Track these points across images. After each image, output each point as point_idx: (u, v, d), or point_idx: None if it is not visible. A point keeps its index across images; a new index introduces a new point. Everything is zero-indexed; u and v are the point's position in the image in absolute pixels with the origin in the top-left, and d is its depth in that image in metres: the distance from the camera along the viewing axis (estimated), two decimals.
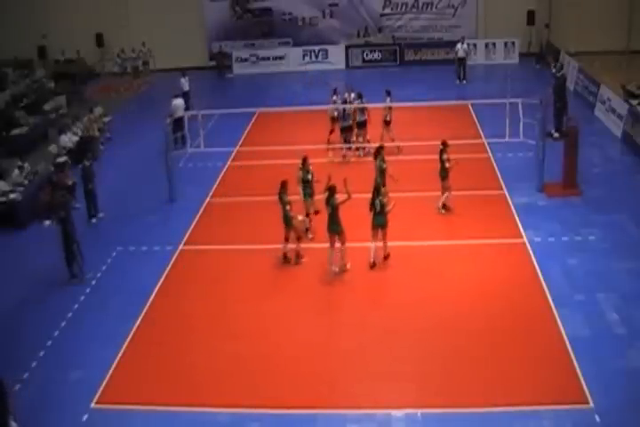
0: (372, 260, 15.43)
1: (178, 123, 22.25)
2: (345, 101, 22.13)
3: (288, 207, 15.57)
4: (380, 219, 15.36)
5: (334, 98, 22.34)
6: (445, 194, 17.54)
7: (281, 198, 15.58)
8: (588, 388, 11.41)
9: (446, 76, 30.41)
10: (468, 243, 16.30)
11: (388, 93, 21.87)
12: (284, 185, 15.71)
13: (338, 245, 15.24)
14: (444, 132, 21.82)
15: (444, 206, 17.65)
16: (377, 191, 15.38)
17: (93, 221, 18.62)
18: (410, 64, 33.84)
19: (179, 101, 23.56)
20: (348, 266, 15.40)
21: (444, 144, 17.41)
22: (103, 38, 34.69)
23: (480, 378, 11.90)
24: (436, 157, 17.41)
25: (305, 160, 17.03)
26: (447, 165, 17.18)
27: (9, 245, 17.60)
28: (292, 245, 15.85)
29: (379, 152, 17.63)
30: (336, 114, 22.05)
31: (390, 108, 21.60)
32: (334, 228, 15.18)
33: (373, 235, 15.48)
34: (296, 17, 34.97)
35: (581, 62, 27.90)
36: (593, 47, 30.70)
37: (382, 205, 15.31)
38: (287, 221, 15.70)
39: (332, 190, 15.15)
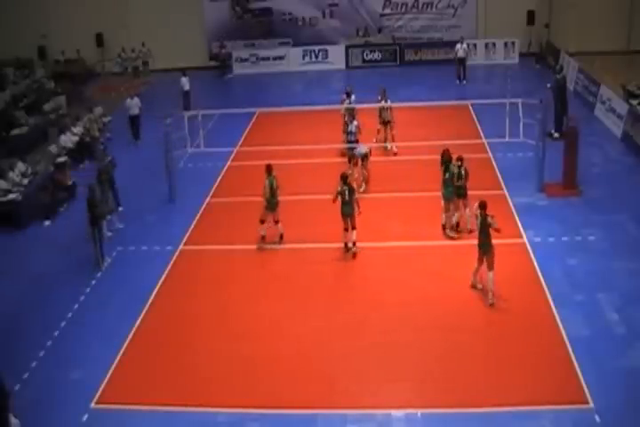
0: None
1: (132, 120, 24.74)
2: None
3: (355, 196, 15.80)
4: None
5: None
6: (458, 213, 16.61)
7: (342, 191, 15.73)
8: (588, 388, 11.41)
9: (446, 76, 30.39)
10: (469, 243, 16.26)
11: (348, 95, 22.18)
12: (343, 178, 15.84)
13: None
14: (444, 133, 21.91)
15: (457, 226, 16.76)
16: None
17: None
18: (410, 64, 33.82)
19: (129, 101, 24.87)
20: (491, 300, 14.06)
21: (460, 159, 16.46)
22: (103, 38, 34.68)
23: (480, 378, 11.90)
24: (438, 157, 17.28)
25: (269, 168, 16.55)
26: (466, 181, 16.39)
27: (9, 245, 17.60)
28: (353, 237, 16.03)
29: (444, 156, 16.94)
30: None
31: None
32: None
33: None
34: (296, 17, 34.96)
35: (581, 62, 27.90)
36: (593, 47, 30.71)
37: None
38: (348, 211, 15.80)
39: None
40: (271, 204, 16.46)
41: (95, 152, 22.73)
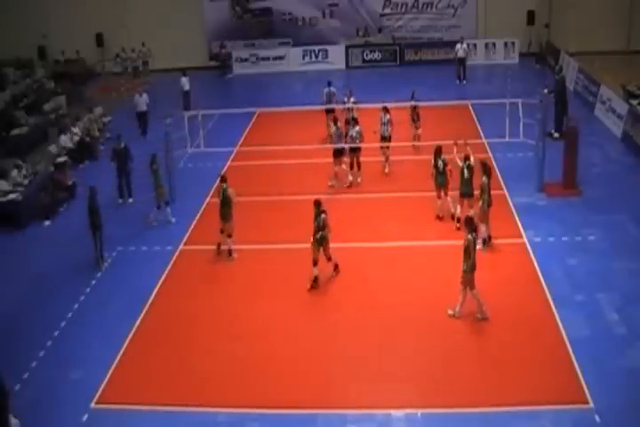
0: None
1: (140, 117, 25.27)
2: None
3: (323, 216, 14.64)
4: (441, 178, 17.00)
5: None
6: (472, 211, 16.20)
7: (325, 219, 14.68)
8: (588, 388, 11.41)
9: (446, 76, 30.40)
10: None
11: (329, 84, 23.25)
12: (317, 204, 14.69)
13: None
14: (444, 133, 21.87)
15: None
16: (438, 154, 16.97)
17: (120, 201, 19.64)
18: (410, 64, 33.84)
19: (137, 97, 25.45)
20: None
21: (467, 158, 16.56)
22: (103, 38, 34.72)
23: (480, 378, 11.90)
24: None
25: (223, 178, 16.32)
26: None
27: (9, 245, 17.60)
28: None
29: (438, 152, 17.11)
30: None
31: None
32: None
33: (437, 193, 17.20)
34: (296, 17, 34.99)
35: (581, 62, 27.90)
36: (593, 47, 30.73)
37: (444, 165, 16.96)
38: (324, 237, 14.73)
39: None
40: (221, 212, 16.09)
41: (95, 151, 22.82)
